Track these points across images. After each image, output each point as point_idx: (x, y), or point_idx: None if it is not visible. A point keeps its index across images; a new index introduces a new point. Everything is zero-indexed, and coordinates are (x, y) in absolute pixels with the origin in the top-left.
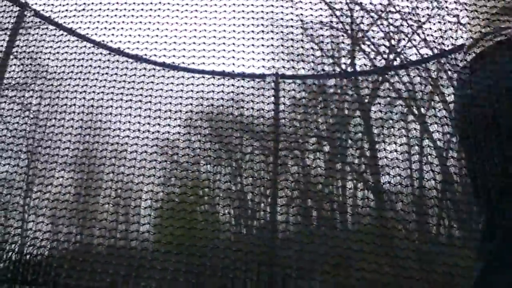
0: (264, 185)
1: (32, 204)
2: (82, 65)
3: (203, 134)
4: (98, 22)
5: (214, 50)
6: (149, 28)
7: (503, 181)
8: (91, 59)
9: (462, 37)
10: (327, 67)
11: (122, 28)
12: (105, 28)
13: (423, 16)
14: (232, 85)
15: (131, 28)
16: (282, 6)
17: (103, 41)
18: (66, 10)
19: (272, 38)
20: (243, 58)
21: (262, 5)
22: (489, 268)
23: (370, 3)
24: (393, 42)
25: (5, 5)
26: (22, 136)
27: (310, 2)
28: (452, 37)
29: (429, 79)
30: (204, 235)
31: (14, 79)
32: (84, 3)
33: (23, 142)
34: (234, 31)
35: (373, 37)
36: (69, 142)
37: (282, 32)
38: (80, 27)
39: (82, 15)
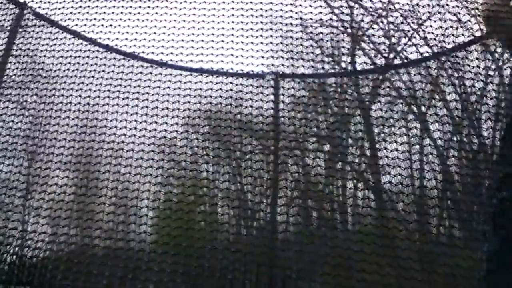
0: (264, 185)
1: (28, 205)
2: (78, 63)
3: (202, 133)
4: (95, 19)
5: (213, 48)
6: (146, 26)
7: None
8: (87, 56)
9: (463, 35)
10: (327, 65)
11: (119, 26)
12: (102, 25)
13: (424, 14)
14: (231, 83)
15: (128, 26)
16: (281, 4)
17: (99, 38)
18: (63, 7)
19: (271, 36)
20: (242, 56)
21: (261, 2)
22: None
23: (370, 1)
24: (393, 40)
25: (4, 6)
26: (17, 135)
27: (310, 1)
28: (452, 35)
29: (429, 78)
30: (202, 236)
31: (10, 77)
32: (81, 0)
33: (18, 141)
34: (233, 28)
35: (373, 36)
36: (64, 141)
37: (281, 30)
38: (76, 24)
39: (79, 12)
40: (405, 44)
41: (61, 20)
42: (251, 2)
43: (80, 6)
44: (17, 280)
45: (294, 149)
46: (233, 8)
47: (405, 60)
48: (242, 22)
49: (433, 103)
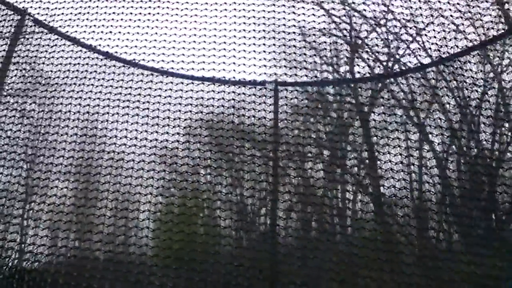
0: (264, 194)
1: (26, 216)
2: (78, 70)
3: (203, 143)
4: (95, 26)
5: (213, 56)
6: (147, 33)
7: None
8: (87, 63)
9: (458, 46)
10: (326, 73)
11: (119, 33)
12: (102, 32)
13: (422, 23)
14: (231, 92)
15: (128, 33)
16: (282, 13)
17: (99, 45)
18: (63, 13)
19: (272, 45)
20: (242, 65)
21: (262, 11)
22: None
23: (369, 10)
24: (392, 48)
25: (5, 14)
26: (16, 144)
27: (309, 9)
28: (450, 45)
29: (428, 86)
30: (204, 249)
31: (9, 84)
32: (81, 7)
33: (17, 149)
34: (235, 36)
35: (373, 44)
36: (64, 150)
37: (282, 39)
38: (76, 31)
39: (79, 19)
40: (404, 52)
41: (60, 26)
42: (252, 11)
43: (80, 13)
44: None
45: (294, 156)
46: (234, 16)
47: (404, 68)
48: (242, 30)
49: (432, 111)
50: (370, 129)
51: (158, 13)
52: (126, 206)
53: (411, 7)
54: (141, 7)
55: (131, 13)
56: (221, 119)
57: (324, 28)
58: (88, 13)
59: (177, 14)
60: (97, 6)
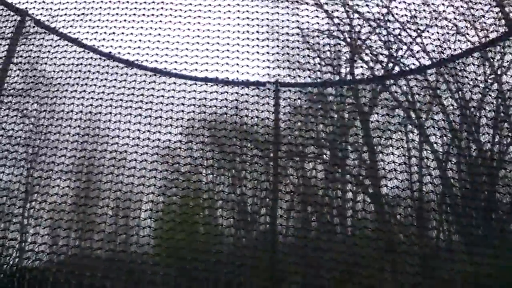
0: (265, 194)
1: (27, 214)
2: (80, 71)
3: (204, 143)
4: (97, 27)
5: (217, 57)
6: (149, 34)
7: None
8: (89, 64)
9: (460, 48)
10: (326, 74)
11: (121, 33)
12: (104, 33)
13: (422, 24)
14: (232, 92)
15: (131, 34)
16: (282, 15)
17: (101, 46)
18: (65, 14)
19: (273, 46)
20: (243, 66)
21: (266, 12)
22: None
23: (370, 12)
24: (392, 50)
25: (5, 13)
26: (18, 144)
27: (310, 11)
28: (451, 46)
29: (428, 87)
30: (205, 248)
31: (10, 85)
32: (84, 7)
33: (19, 149)
34: (238, 37)
35: (372, 45)
36: (65, 150)
37: (282, 40)
38: (78, 32)
39: (81, 20)
40: (404, 53)
41: (62, 27)
42: (255, 12)
43: (83, 14)
44: None
45: (295, 156)
46: (237, 18)
47: (404, 70)
48: (245, 32)
49: (432, 112)
50: (370, 129)
51: (161, 14)
52: (127, 205)
53: (412, 9)
54: (144, 8)
55: (134, 14)
56: (223, 119)
57: (326, 30)
58: (91, 14)
59: (180, 16)
60: (100, 7)
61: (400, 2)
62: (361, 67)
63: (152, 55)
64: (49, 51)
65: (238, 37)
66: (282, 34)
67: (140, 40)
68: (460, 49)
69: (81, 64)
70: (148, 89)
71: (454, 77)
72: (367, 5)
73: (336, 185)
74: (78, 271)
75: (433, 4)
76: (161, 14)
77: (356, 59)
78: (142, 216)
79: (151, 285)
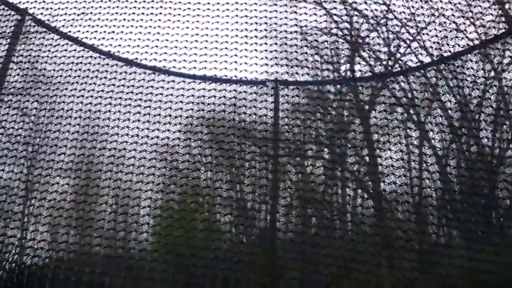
0: (264, 191)
1: (27, 212)
2: (80, 69)
3: (203, 140)
4: (97, 26)
5: (216, 55)
6: (149, 33)
7: None
8: (89, 63)
9: (459, 45)
10: (326, 73)
11: (121, 32)
12: (104, 32)
13: (422, 22)
14: (235, 90)
15: (130, 32)
16: (283, 12)
17: (102, 45)
18: (65, 14)
19: (272, 44)
20: (243, 64)
21: (263, 11)
22: None
23: (370, 9)
24: (392, 48)
25: (5, 13)
26: (18, 142)
27: (310, 9)
28: (451, 44)
29: (428, 85)
30: (203, 245)
31: (11, 83)
32: (84, 7)
33: (19, 147)
34: (237, 35)
35: (373, 43)
36: (65, 148)
37: (282, 38)
38: (79, 31)
39: (81, 19)
40: (404, 51)
41: (62, 26)
42: (254, 10)
43: (83, 13)
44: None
45: (294, 155)
46: (236, 16)
47: (404, 68)
48: (244, 30)
49: (432, 109)
50: (370, 127)
51: (160, 13)
52: (126, 203)
53: (412, 6)
54: (143, 7)
55: (133, 13)
56: (222, 117)
57: (325, 27)
58: (91, 13)
59: (179, 14)
60: (100, 7)
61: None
62: (359, 63)
63: (151, 54)
64: (49, 50)
65: (236, 35)
66: (281, 32)
67: (139, 39)
68: (458, 45)
69: (81, 63)
70: (147, 87)
71: (454, 73)
72: (366, 3)
73: (335, 182)
74: (77, 267)
75: (433, 1)
76: (160, 13)
77: (356, 57)
78: (141, 213)
79: (150, 281)
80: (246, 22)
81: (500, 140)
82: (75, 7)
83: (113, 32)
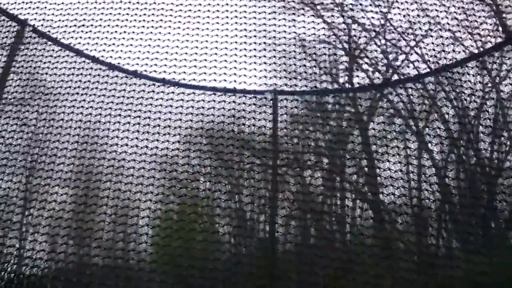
0: (263, 202)
1: (26, 221)
2: (80, 80)
3: (203, 151)
4: (97, 37)
5: (215, 66)
6: (149, 45)
7: None
8: (89, 74)
9: (456, 56)
10: (325, 83)
11: (121, 44)
12: (105, 44)
13: (421, 32)
14: (234, 101)
15: (131, 44)
16: (282, 24)
17: (102, 56)
18: (66, 26)
19: (272, 56)
20: (242, 75)
21: (264, 21)
22: None
23: (368, 19)
24: (390, 58)
25: (5, 23)
26: (17, 152)
27: (309, 21)
28: (448, 54)
29: (427, 95)
30: (203, 256)
31: (10, 94)
32: (84, 19)
33: (18, 157)
34: (236, 48)
35: (371, 53)
36: (64, 158)
37: (281, 48)
38: (79, 43)
39: (82, 31)
40: (402, 61)
41: (63, 38)
42: (253, 22)
43: (83, 25)
44: None
45: (293, 166)
46: (236, 27)
47: (403, 78)
48: (243, 43)
49: (431, 120)
50: (369, 137)
51: (160, 25)
52: (125, 213)
53: (410, 17)
54: (143, 20)
55: (133, 26)
56: (221, 128)
57: (324, 38)
58: (91, 25)
59: (178, 26)
60: (101, 19)
61: (397, 9)
62: (357, 76)
63: (151, 65)
64: (49, 61)
65: (236, 47)
66: (280, 43)
67: (139, 51)
68: (455, 59)
69: (81, 74)
70: (147, 98)
71: (452, 84)
72: (364, 15)
73: (334, 193)
74: (76, 278)
75: (430, 11)
76: (161, 26)
77: (355, 67)
78: (140, 223)
79: None
80: (246, 34)
81: (499, 151)
82: (75, 19)
83: (113, 44)
